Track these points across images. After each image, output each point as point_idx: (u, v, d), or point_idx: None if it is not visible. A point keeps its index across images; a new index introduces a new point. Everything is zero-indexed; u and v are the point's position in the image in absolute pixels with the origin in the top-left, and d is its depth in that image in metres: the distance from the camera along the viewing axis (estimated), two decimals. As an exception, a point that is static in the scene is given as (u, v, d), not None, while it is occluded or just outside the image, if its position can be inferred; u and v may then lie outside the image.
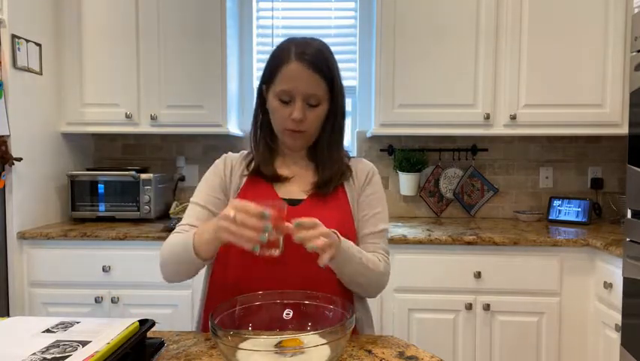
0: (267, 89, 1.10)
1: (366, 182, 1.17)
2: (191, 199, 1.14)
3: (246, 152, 1.20)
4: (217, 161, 1.18)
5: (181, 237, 1.01)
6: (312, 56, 1.04)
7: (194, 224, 1.08)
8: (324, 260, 0.87)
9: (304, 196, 1.11)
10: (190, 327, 2.17)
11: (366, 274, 1.04)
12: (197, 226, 1.06)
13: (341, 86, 1.13)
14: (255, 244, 0.82)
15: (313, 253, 0.87)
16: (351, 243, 1.02)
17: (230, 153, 1.21)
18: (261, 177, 1.12)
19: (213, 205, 1.11)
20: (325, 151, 1.13)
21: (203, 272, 1.13)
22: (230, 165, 1.16)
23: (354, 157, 1.22)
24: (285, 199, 1.07)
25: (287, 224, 0.87)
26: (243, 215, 0.83)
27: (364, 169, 1.18)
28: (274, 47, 1.12)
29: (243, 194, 1.11)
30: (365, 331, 1.13)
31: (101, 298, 2.18)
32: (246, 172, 1.14)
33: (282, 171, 1.13)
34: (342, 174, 1.14)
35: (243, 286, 0.99)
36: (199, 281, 2.23)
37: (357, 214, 1.14)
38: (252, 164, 1.13)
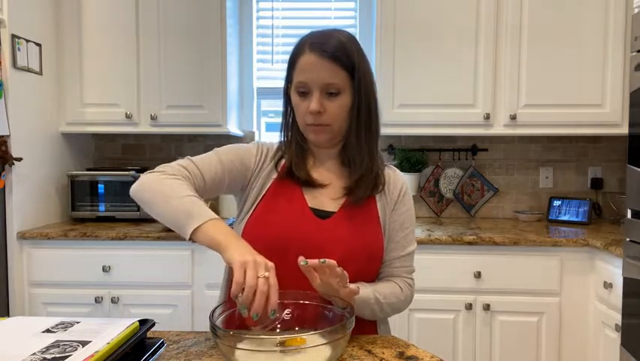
0: (290, 87, 1.06)
1: (400, 198, 1.10)
2: (217, 150, 1.07)
3: (276, 145, 1.12)
4: (252, 144, 1.12)
5: (189, 199, 0.92)
6: (327, 45, 0.98)
7: (200, 167, 1.01)
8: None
9: (334, 208, 1.04)
10: (190, 327, 2.17)
11: (385, 310, 1.03)
12: (202, 171, 1.01)
13: (368, 77, 1.04)
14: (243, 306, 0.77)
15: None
16: (367, 289, 0.99)
17: (262, 142, 1.14)
18: (291, 180, 1.05)
19: (229, 171, 1.04)
20: (354, 148, 1.04)
21: (221, 272, 1.10)
22: (265, 157, 1.09)
23: (387, 164, 1.14)
24: (313, 210, 1.03)
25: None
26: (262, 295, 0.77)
27: (397, 182, 1.12)
28: None
29: (269, 197, 1.05)
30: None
31: (101, 298, 2.18)
32: (274, 173, 1.07)
33: (314, 175, 1.07)
34: (376, 182, 1.06)
35: (273, 249, 0.95)
36: (199, 282, 2.23)
37: (387, 232, 1.08)
38: (281, 163, 1.07)
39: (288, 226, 1.01)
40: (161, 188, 0.94)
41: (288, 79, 1.06)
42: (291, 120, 1.09)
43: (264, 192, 1.06)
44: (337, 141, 1.07)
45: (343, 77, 0.99)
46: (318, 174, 1.08)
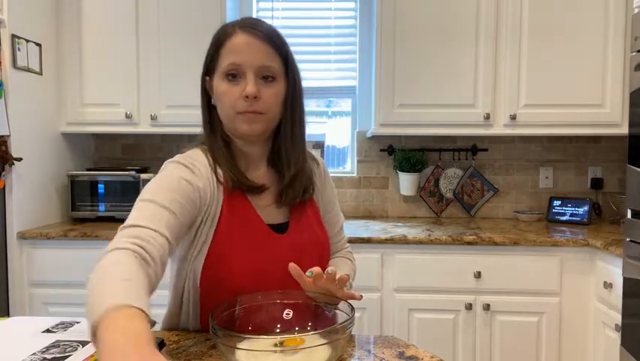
0: (211, 79, 0.95)
1: (324, 179, 1.11)
2: (146, 198, 0.82)
3: (199, 154, 0.96)
4: (182, 168, 0.90)
5: (99, 293, 0.61)
6: (260, 27, 0.91)
7: (163, 233, 0.78)
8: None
9: (284, 218, 1.00)
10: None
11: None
12: (166, 235, 0.77)
13: (297, 69, 0.98)
14: None
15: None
16: (347, 268, 1.05)
17: (185, 159, 0.93)
18: (236, 189, 0.94)
19: (181, 214, 0.84)
20: (289, 144, 0.97)
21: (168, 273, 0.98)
22: (207, 178, 0.92)
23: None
24: (270, 226, 0.97)
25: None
26: None
27: (320, 164, 1.11)
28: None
29: (225, 224, 0.93)
30: None
31: (101, 298, 2.18)
32: (220, 188, 0.94)
33: (254, 179, 0.98)
34: (307, 185, 1.01)
35: (243, 285, 0.94)
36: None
37: (322, 214, 1.10)
38: (219, 173, 0.94)
39: (253, 258, 0.94)
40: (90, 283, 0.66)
41: (210, 68, 0.96)
42: (210, 120, 0.98)
43: (217, 219, 0.93)
44: (267, 137, 0.98)
45: (278, 62, 0.92)
46: (255, 176, 0.99)
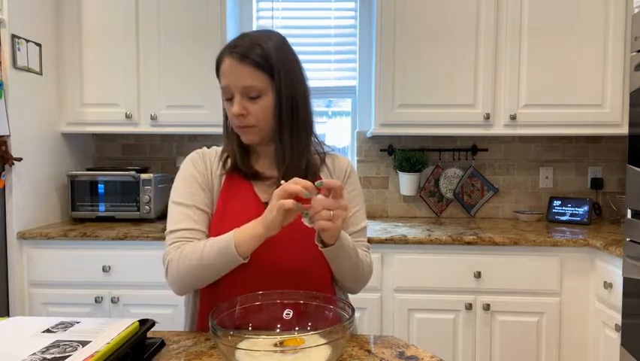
0: None
1: (346, 179, 1.14)
2: (174, 200, 1.05)
3: (219, 149, 1.14)
4: (193, 157, 1.11)
5: (209, 243, 0.95)
6: (241, 48, 0.99)
7: (194, 227, 1.02)
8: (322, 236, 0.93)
9: None
10: (190, 327, 2.17)
11: (359, 263, 1.06)
12: (199, 230, 1.01)
13: (292, 75, 1.04)
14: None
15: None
16: (348, 236, 1.03)
17: (204, 148, 1.14)
18: (239, 175, 1.08)
19: (203, 204, 1.05)
20: (279, 147, 1.05)
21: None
22: (210, 162, 1.10)
23: (329, 152, 1.16)
24: (267, 204, 1.01)
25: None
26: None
27: (342, 165, 1.15)
28: None
29: (222, 199, 1.06)
30: None
31: (101, 298, 2.18)
32: (222, 171, 1.09)
33: (260, 169, 1.09)
34: (306, 174, 1.05)
35: (234, 279, 0.97)
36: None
37: None
38: (228, 162, 1.09)
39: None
40: (189, 262, 0.96)
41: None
42: (229, 123, 1.10)
43: (217, 194, 1.07)
44: (270, 139, 1.07)
45: (262, 78, 1.00)
46: (263, 167, 1.09)
